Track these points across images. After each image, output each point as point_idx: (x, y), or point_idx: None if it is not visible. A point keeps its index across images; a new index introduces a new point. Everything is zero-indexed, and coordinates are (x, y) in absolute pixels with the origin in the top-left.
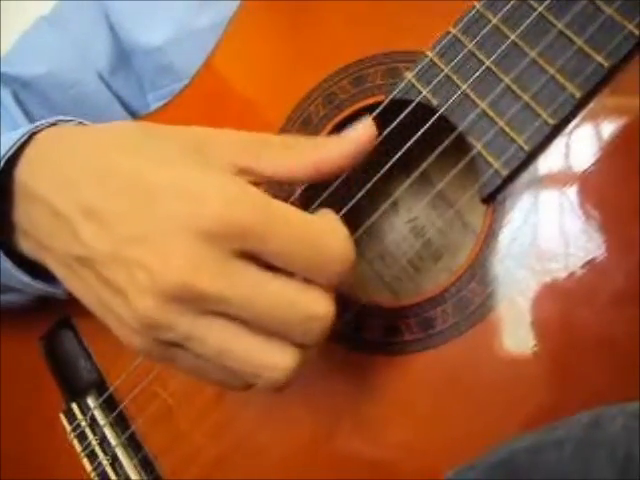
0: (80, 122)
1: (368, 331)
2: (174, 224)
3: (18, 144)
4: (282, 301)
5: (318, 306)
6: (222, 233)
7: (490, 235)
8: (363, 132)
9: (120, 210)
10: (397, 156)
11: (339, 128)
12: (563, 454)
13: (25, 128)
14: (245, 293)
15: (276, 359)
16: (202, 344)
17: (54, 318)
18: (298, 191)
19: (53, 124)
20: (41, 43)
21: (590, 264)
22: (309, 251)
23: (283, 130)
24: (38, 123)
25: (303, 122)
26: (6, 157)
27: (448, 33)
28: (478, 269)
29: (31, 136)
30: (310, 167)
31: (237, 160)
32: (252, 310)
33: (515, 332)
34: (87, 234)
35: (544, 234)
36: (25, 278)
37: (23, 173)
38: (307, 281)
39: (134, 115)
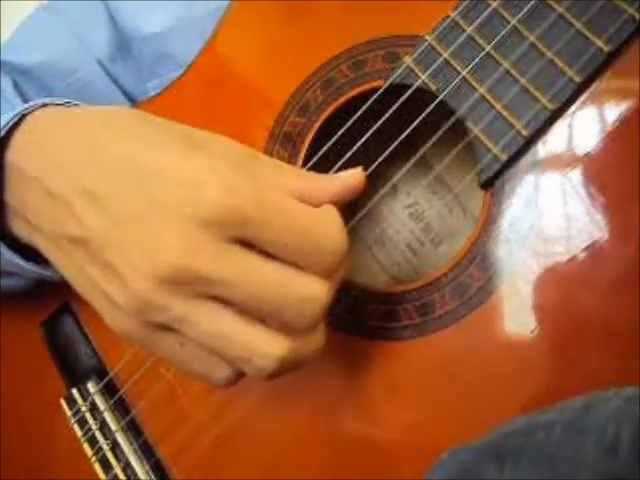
0: (72, 104)
1: (367, 316)
2: (172, 208)
3: (8, 126)
4: (276, 283)
5: (312, 289)
6: (219, 220)
7: (489, 220)
8: (352, 175)
9: (117, 191)
10: (397, 141)
11: (338, 113)
12: (552, 436)
13: (15, 110)
14: (239, 275)
15: (267, 345)
16: (194, 326)
17: (55, 304)
18: None
19: (44, 105)
20: (40, 31)
21: (591, 247)
22: (304, 241)
23: (281, 115)
24: (28, 105)
25: (302, 107)
26: None
27: (447, 17)
28: (477, 254)
29: (22, 118)
30: (295, 194)
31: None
32: (246, 292)
33: (515, 316)
34: (84, 214)
35: (544, 218)
36: (18, 260)
37: (14, 155)
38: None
39: (134, 103)
